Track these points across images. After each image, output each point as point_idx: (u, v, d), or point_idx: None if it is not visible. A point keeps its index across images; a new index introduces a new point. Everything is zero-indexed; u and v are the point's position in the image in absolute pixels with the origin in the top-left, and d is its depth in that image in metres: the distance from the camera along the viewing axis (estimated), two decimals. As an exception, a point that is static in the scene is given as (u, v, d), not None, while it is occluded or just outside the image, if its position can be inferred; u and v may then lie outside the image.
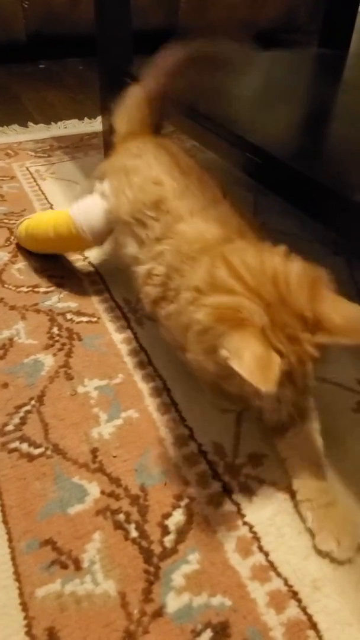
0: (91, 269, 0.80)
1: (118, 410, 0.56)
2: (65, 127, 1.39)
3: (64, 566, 0.42)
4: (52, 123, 1.40)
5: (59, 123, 1.41)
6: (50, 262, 0.80)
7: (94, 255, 0.82)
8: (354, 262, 0.83)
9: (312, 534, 0.44)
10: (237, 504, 0.47)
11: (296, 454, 0.49)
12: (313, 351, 0.41)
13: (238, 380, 0.39)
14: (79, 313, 0.70)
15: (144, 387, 0.59)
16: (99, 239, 0.71)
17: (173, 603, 0.40)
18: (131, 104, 0.77)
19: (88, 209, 0.71)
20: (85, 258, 0.82)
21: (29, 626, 0.39)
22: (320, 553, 0.43)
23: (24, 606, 0.40)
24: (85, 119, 1.43)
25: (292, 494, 0.47)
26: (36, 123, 1.40)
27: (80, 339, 0.66)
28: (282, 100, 0.82)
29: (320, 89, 0.91)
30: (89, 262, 0.81)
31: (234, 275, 0.44)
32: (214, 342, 0.41)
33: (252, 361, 0.37)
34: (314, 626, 0.39)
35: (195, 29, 2.08)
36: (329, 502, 0.45)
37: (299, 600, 0.40)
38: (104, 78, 1.08)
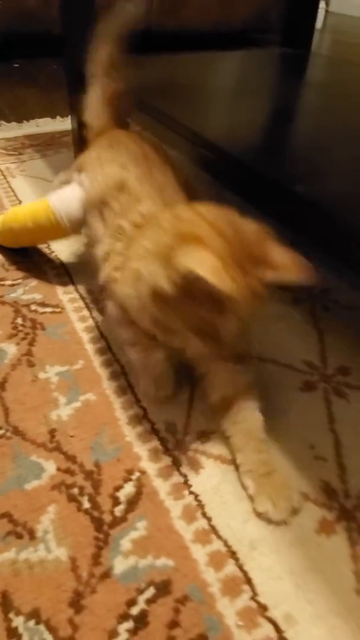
0: (57, 262, 0.82)
1: (77, 394, 0.59)
2: (38, 126, 1.41)
3: (19, 536, 0.45)
4: (25, 121, 1.42)
5: (32, 121, 1.43)
6: (17, 257, 0.82)
7: (59, 248, 0.85)
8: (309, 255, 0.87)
9: (252, 499, 0.48)
10: (185, 476, 0.50)
11: (239, 431, 0.53)
12: (260, 287, 0.45)
13: (193, 306, 0.44)
14: (43, 304, 0.73)
15: (103, 372, 0.62)
16: (76, 227, 0.74)
17: (120, 565, 0.43)
18: (97, 101, 0.80)
19: (66, 198, 0.74)
20: (52, 252, 0.85)
21: (-16, 591, 0.41)
22: (258, 515, 0.47)
23: (-20, 573, 0.42)
24: (58, 117, 1.45)
25: (236, 467, 0.51)
26: (8, 121, 1.41)
27: (43, 329, 0.68)
28: (240, 99, 0.85)
29: (278, 87, 0.95)
30: (55, 256, 0.83)
31: (194, 211, 0.49)
32: (174, 260, 0.44)
33: (210, 267, 0.41)
34: (248, 581, 0.42)
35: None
36: (269, 472, 0.49)
37: (237, 559, 0.44)
38: (71, 77, 1.10)
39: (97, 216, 0.66)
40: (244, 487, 0.49)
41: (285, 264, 0.46)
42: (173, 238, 0.46)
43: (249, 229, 0.47)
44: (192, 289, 0.44)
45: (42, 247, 0.86)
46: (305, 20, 1.21)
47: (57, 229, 0.74)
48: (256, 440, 0.52)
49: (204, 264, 0.41)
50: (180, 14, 2.15)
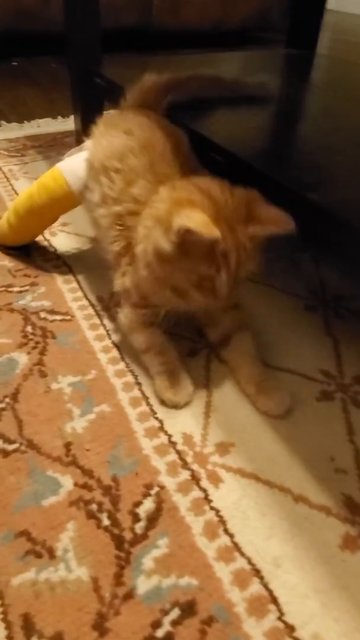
0: (65, 268, 0.81)
1: (91, 405, 0.58)
2: (39, 126, 1.39)
3: (39, 555, 0.44)
4: (25, 122, 1.40)
5: (32, 122, 1.41)
6: (24, 263, 0.81)
7: (67, 253, 0.84)
8: (319, 259, 0.86)
9: (254, 402, 0.59)
10: (205, 491, 0.49)
11: (239, 357, 0.62)
12: (246, 241, 0.52)
13: (190, 262, 0.52)
14: (52, 312, 0.72)
15: (117, 382, 0.61)
16: (83, 193, 0.72)
17: (143, 585, 0.42)
18: (142, 85, 0.78)
19: (75, 163, 0.73)
20: (59, 257, 0.83)
21: (4, 613, 0.40)
22: (261, 412, 0.58)
23: (0, 594, 0.41)
24: (59, 117, 1.43)
25: (238, 382, 0.61)
26: (9, 122, 1.39)
27: (54, 337, 0.67)
28: (245, 101, 0.84)
29: (285, 89, 0.94)
30: (63, 262, 0.82)
31: (190, 182, 0.57)
32: (170, 220, 0.50)
33: (199, 219, 0.49)
34: (274, 600, 0.42)
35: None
36: (265, 379, 0.60)
37: (261, 577, 0.43)
38: (74, 77, 1.08)
39: (95, 181, 0.67)
40: (246, 394, 0.59)
41: (269, 218, 0.53)
42: (169, 205, 0.53)
43: (238, 193, 0.54)
44: (187, 245, 0.50)
45: (50, 252, 0.84)
46: (311, 21, 1.20)
47: (68, 197, 0.74)
48: (251, 357, 0.62)
49: (192, 219, 0.48)
50: (180, 12, 2.14)
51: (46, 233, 0.89)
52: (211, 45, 2.19)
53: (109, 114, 0.76)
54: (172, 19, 2.13)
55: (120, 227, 0.63)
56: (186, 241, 0.50)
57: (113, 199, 0.64)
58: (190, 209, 0.50)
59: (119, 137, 0.66)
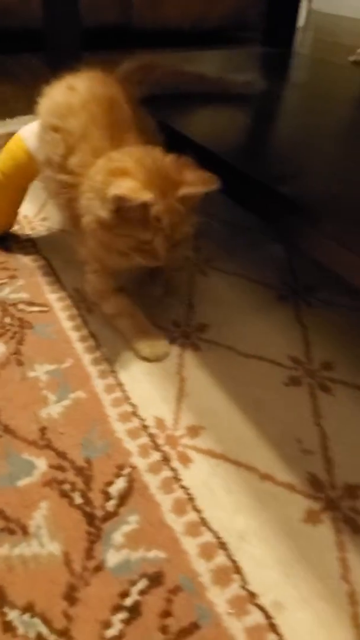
0: (44, 262, 0.82)
1: (67, 392, 0.59)
2: (21, 124, 1.39)
3: (12, 532, 0.46)
4: (7, 119, 1.40)
5: (15, 119, 1.41)
6: (3, 256, 0.82)
7: (46, 248, 0.85)
8: (291, 249, 0.88)
9: (136, 351, 0.64)
10: (175, 470, 0.51)
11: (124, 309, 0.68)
12: (177, 204, 0.57)
13: (128, 227, 0.56)
14: (30, 303, 0.73)
15: (92, 370, 0.63)
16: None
17: (112, 558, 0.44)
18: (121, 69, 0.80)
19: (34, 126, 0.75)
20: (38, 251, 0.85)
21: (-22, 587, 0.42)
22: (141, 358, 0.64)
23: (-26, 570, 0.43)
24: (41, 114, 1.44)
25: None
26: (-9, 119, 1.39)
27: (31, 327, 0.69)
28: (220, 98, 0.86)
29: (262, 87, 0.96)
30: (42, 256, 0.83)
31: (123, 153, 0.60)
32: (106, 192, 0.54)
33: (128, 186, 0.53)
34: (238, 570, 0.44)
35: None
36: (151, 331, 0.66)
37: (226, 550, 0.45)
38: (54, 74, 1.09)
39: (42, 140, 0.70)
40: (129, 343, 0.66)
41: (195, 179, 0.57)
42: (104, 176, 0.57)
43: (169, 160, 0.59)
44: (123, 213, 0.55)
45: (29, 246, 0.86)
46: (287, 20, 1.23)
47: (30, 162, 0.76)
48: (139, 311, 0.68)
49: (123, 186, 0.53)
50: (160, 11, 2.15)
51: (26, 228, 0.91)
52: (191, 44, 2.21)
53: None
54: (152, 17, 2.14)
55: (66, 195, 0.65)
56: (122, 209, 0.54)
57: (57, 164, 0.66)
58: (122, 178, 0.54)
59: (61, 92, 0.68)
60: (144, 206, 0.54)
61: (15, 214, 0.87)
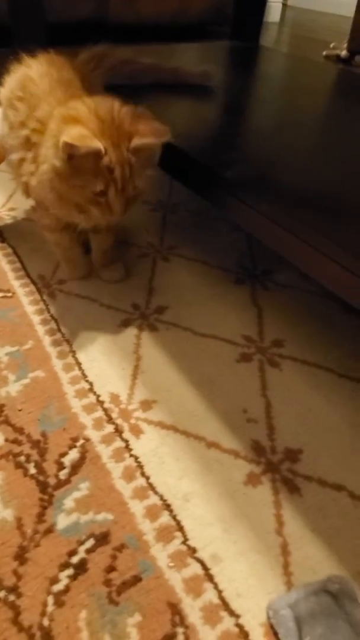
0: (9, 249, 0.84)
1: (26, 372, 0.62)
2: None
3: (-33, 501, 0.48)
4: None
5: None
6: (-32, 244, 0.84)
7: (12, 237, 0.87)
8: (252, 237, 0.91)
9: (99, 275, 0.77)
10: (126, 441, 0.54)
11: (97, 247, 0.76)
12: (130, 156, 0.57)
13: (81, 178, 0.56)
14: (-6, 289, 0.75)
15: (52, 351, 0.65)
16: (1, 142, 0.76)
17: (63, 522, 0.47)
18: (82, 56, 0.82)
19: None
20: (4, 240, 0.86)
21: None
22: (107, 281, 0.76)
23: None
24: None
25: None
26: None
27: (-6, 312, 0.71)
28: (182, 91, 0.89)
29: (224, 79, 0.99)
30: (8, 243, 0.85)
31: (80, 102, 0.60)
32: (59, 140, 0.54)
33: (77, 134, 0.53)
34: (180, 529, 0.47)
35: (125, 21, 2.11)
36: (109, 260, 0.77)
37: (171, 511, 0.48)
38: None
39: (6, 118, 0.71)
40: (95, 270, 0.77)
41: (148, 130, 0.58)
42: (58, 124, 0.57)
43: (125, 110, 0.59)
44: (76, 162, 0.55)
45: (-6, 235, 0.87)
46: (253, 13, 1.25)
47: None
48: (103, 250, 0.76)
49: (73, 134, 0.53)
50: (137, 5, 2.17)
51: (-7, 217, 0.92)
52: (169, 39, 2.23)
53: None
54: (128, 11, 2.15)
55: (28, 147, 0.66)
56: (74, 157, 0.55)
57: (20, 122, 0.67)
58: (73, 126, 0.54)
59: (19, 71, 0.71)
60: (96, 155, 0.55)
61: None
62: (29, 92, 0.68)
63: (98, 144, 0.54)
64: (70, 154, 0.54)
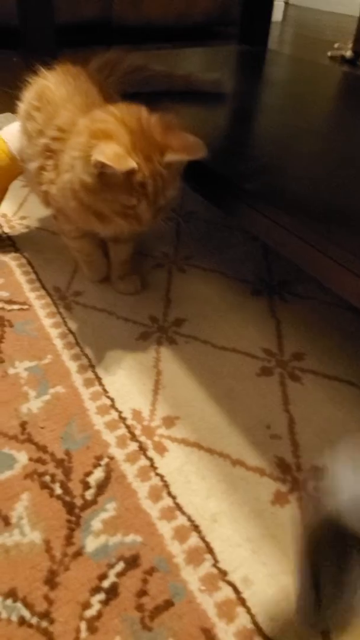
0: (23, 260, 0.84)
1: (46, 388, 0.61)
2: (0, 122, 1.40)
3: (-6, 523, 0.48)
4: (-14, 117, 1.40)
5: (-7, 117, 1.41)
6: (-18, 255, 0.83)
7: (26, 247, 0.86)
8: (268, 246, 0.91)
9: (114, 288, 0.77)
10: (151, 459, 0.54)
11: (114, 258, 0.76)
12: (162, 169, 0.56)
13: (112, 192, 0.56)
14: (10, 301, 0.74)
15: (72, 366, 0.65)
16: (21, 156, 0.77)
17: (91, 544, 0.46)
18: (95, 63, 0.82)
19: (13, 128, 0.77)
20: (17, 250, 0.86)
21: None
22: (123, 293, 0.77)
23: None
24: (19, 112, 1.44)
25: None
26: (-31, 117, 1.39)
27: (11, 326, 0.70)
28: (195, 98, 0.88)
29: (236, 86, 0.98)
30: (21, 254, 0.85)
31: (107, 112, 0.58)
32: (90, 155, 0.53)
33: (112, 153, 0.52)
34: (210, 550, 0.46)
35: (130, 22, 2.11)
36: (126, 272, 0.76)
37: (199, 532, 0.48)
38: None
39: (25, 132, 0.71)
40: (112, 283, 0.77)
41: (182, 145, 0.56)
42: (88, 138, 0.55)
43: (154, 120, 0.57)
44: (107, 177, 0.54)
45: (8, 245, 0.87)
46: (261, 17, 1.25)
47: (11, 162, 0.78)
48: (120, 259, 0.76)
49: (106, 153, 0.51)
50: (142, 6, 2.15)
51: (5, 227, 0.92)
52: (174, 40, 2.22)
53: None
54: (133, 13, 2.14)
55: (48, 155, 0.65)
56: (105, 173, 0.53)
57: (38, 131, 0.66)
58: (105, 142, 0.53)
59: (36, 83, 0.71)
60: (129, 172, 0.53)
61: None
62: (46, 100, 0.67)
63: (133, 164, 0.52)
64: (103, 170, 0.53)
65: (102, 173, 0.54)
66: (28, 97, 0.71)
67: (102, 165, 0.52)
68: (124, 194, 0.55)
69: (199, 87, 0.90)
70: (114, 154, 0.52)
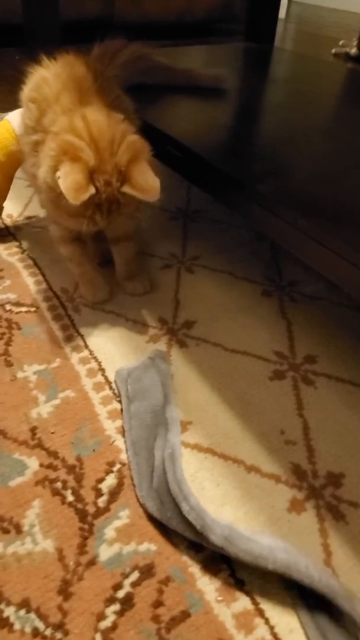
0: (30, 261, 0.83)
1: (56, 392, 0.60)
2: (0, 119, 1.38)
3: (6, 531, 0.47)
4: (-11, 116, 1.39)
5: (-4, 115, 1.40)
6: (-12, 256, 0.82)
7: (32, 248, 0.85)
8: (276, 245, 0.90)
9: (123, 288, 0.75)
10: (164, 465, 0.53)
11: (119, 258, 0.75)
12: (119, 196, 0.58)
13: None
14: (18, 304, 0.73)
15: (81, 369, 0.64)
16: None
17: (105, 553, 0.45)
18: (97, 50, 0.83)
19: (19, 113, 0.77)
20: (24, 251, 0.85)
21: (-26, 585, 0.43)
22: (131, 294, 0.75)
23: (-31, 569, 0.44)
24: (23, 111, 1.43)
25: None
26: (-28, 116, 1.38)
27: (19, 328, 0.69)
28: (204, 96, 0.87)
29: (243, 84, 0.97)
30: (28, 255, 0.84)
31: (85, 125, 0.59)
32: (56, 165, 0.56)
33: (71, 183, 0.54)
34: (226, 560, 0.45)
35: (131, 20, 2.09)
36: (133, 273, 0.73)
37: (215, 540, 0.47)
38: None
39: (22, 118, 0.71)
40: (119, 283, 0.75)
41: (140, 185, 0.58)
42: (58, 149, 0.57)
43: (125, 146, 0.58)
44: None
45: (14, 246, 0.86)
46: (268, 14, 1.23)
47: (20, 148, 0.77)
48: (125, 259, 0.74)
49: (67, 181, 0.54)
50: (143, 3, 2.14)
51: (11, 227, 0.91)
52: (175, 37, 2.20)
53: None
54: (134, 10, 2.13)
55: (37, 153, 0.66)
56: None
57: (31, 127, 0.67)
58: (71, 165, 0.55)
59: (38, 71, 0.70)
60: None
61: (1, 208, 0.87)
62: (41, 94, 0.67)
63: (87, 195, 0.54)
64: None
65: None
66: (29, 86, 0.71)
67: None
68: (80, 205, 0.56)
69: (199, 82, 0.89)
70: (72, 184, 0.54)
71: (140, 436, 0.53)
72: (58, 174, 0.54)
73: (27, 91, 0.70)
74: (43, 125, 0.64)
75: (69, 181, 0.54)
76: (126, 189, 0.58)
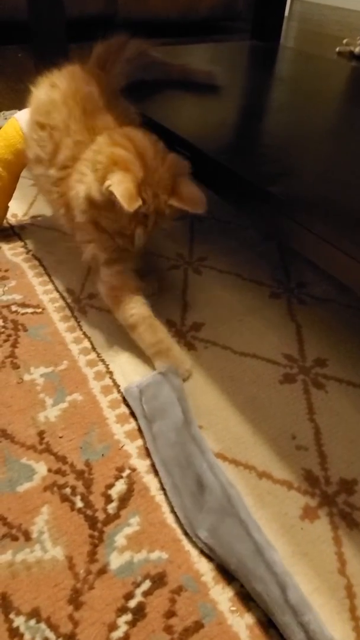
0: (35, 261, 0.82)
1: (63, 395, 0.59)
2: (5, 118, 1.37)
3: (15, 538, 0.46)
4: (-8, 113, 1.38)
5: (0, 114, 1.39)
6: (-7, 256, 0.81)
7: (37, 248, 0.84)
8: (283, 246, 0.89)
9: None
10: (174, 471, 0.52)
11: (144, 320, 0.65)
12: (165, 208, 0.60)
13: (116, 212, 0.57)
14: (23, 305, 0.73)
15: (88, 372, 0.63)
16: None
17: (116, 561, 0.45)
18: (98, 50, 0.81)
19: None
20: (29, 251, 0.84)
21: (-18, 594, 0.42)
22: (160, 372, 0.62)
23: (-22, 577, 0.43)
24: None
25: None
26: (-26, 113, 1.37)
27: (25, 330, 0.68)
28: (211, 95, 0.86)
29: (250, 82, 0.96)
30: (33, 255, 0.83)
31: (127, 138, 0.60)
32: (105, 175, 0.56)
33: (124, 189, 0.55)
34: (239, 568, 0.45)
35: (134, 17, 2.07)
36: (166, 348, 0.62)
37: (227, 548, 0.46)
38: (39, 67, 1.07)
39: (30, 138, 0.71)
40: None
41: (187, 197, 0.60)
42: (107, 159, 0.58)
43: (169, 161, 0.61)
44: (114, 200, 0.55)
45: (19, 246, 0.85)
46: (274, 13, 1.22)
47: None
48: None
49: (120, 187, 0.54)
50: (146, 2, 2.12)
51: (16, 227, 0.90)
52: (179, 35, 2.19)
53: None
54: (138, 7, 2.11)
55: (57, 190, 0.67)
56: (111, 197, 0.56)
57: (47, 161, 0.67)
58: (123, 174, 0.56)
59: (44, 90, 0.70)
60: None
61: (6, 208, 0.86)
62: (50, 120, 0.67)
63: (139, 203, 0.56)
64: (112, 198, 0.55)
65: (111, 198, 0.56)
66: (35, 106, 0.70)
67: (114, 197, 0.55)
68: (125, 219, 0.59)
69: (194, 78, 0.91)
70: (127, 192, 0.54)
71: (169, 455, 0.51)
72: (108, 182, 0.55)
73: (34, 111, 0.70)
74: (60, 162, 0.65)
75: (123, 188, 0.54)
76: (174, 201, 0.59)
